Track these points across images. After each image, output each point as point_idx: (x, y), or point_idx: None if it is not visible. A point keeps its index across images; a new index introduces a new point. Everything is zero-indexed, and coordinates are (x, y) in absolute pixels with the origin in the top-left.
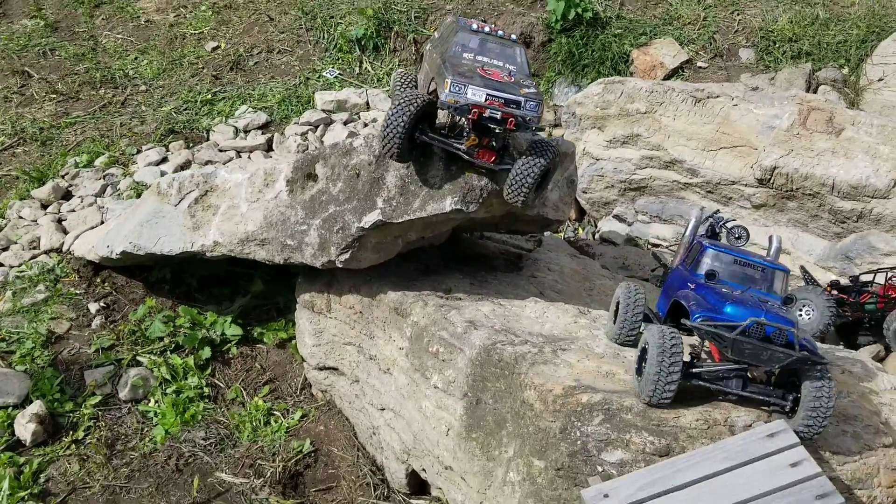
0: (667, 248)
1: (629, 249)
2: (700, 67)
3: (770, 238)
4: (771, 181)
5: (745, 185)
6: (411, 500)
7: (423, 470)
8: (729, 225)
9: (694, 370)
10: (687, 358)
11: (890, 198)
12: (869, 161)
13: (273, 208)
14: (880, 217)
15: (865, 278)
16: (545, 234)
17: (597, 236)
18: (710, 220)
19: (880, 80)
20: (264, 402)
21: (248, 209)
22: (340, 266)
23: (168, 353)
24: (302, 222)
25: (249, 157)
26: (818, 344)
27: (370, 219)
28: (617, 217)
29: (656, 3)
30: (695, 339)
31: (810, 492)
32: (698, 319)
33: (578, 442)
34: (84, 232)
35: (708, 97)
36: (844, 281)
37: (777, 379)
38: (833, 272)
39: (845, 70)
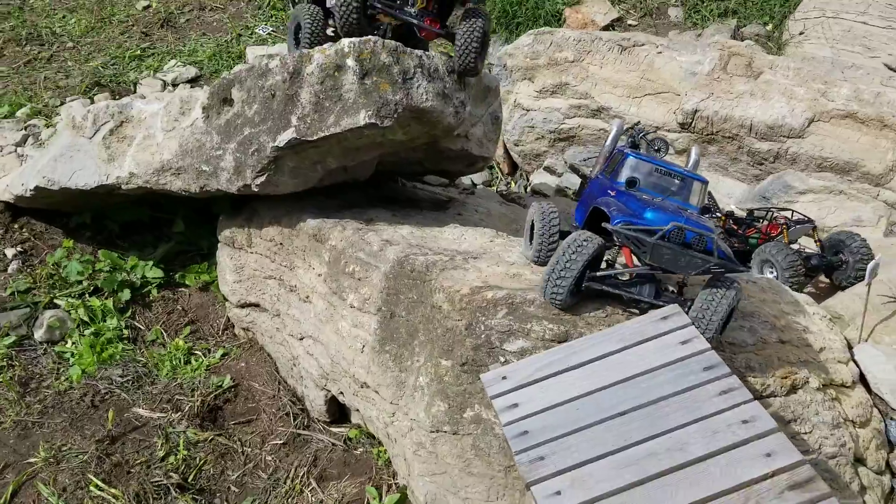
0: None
1: (559, 200)
2: (630, 25)
3: (690, 150)
4: (692, 125)
5: (669, 131)
6: (331, 428)
7: (341, 393)
8: (649, 137)
9: (599, 273)
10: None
11: (805, 136)
12: (785, 102)
13: (189, 136)
14: (796, 156)
15: (759, 214)
16: (477, 187)
17: (528, 189)
18: (632, 131)
19: (801, 33)
20: (185, 342)
21: (164, 138)
22: (257, 190)
23: (87, 296)
24: (217, 147)
25: None
26: None
27: (285, 137)
28: (547, 169)
29: None
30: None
31: (699, 364)
32: (619, 224)
33: (482, 336)
34: (1, 178)
35: (633, 45)
36: (740, 213)
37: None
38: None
39: (769, 27)
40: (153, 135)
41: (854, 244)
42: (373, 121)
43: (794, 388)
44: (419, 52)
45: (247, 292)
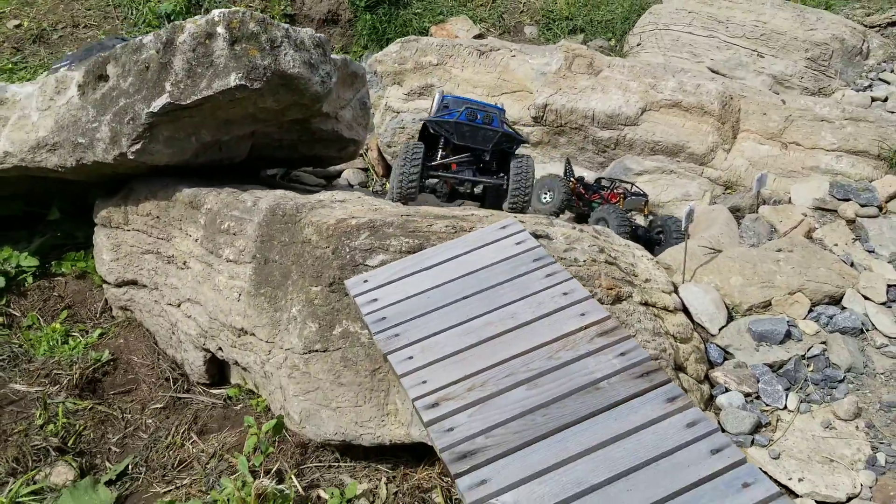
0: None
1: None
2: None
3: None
4: (544, 118)
5: (524, 125)
6: (211, 390)
7: (220, 349)
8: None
9: (433, 163)
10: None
11: (639, 124)
12: (621, 94)
13: (65, 112)
14: (632, 142)
15: (605, 184)
16: (354, 188)
17: None
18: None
19: (638, 44)
20: (62, 325)
21: (40, 117)
22: (132, 157)
23: None
24: (93, 120)
25: None
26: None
27: (159, 103)
28: None
29: None
30: None
31: (529, 258)
32: (431, 120)
33: (347, 256)
34: None
35: (490, 50)
36: (588, 181)
37: (496, 170)
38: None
39: (612, 41)
40: (28, 115)
41: (672, 226)
42: (243, 83)
43: (619, 299)
44: (286, 24)
45: (124, 270)
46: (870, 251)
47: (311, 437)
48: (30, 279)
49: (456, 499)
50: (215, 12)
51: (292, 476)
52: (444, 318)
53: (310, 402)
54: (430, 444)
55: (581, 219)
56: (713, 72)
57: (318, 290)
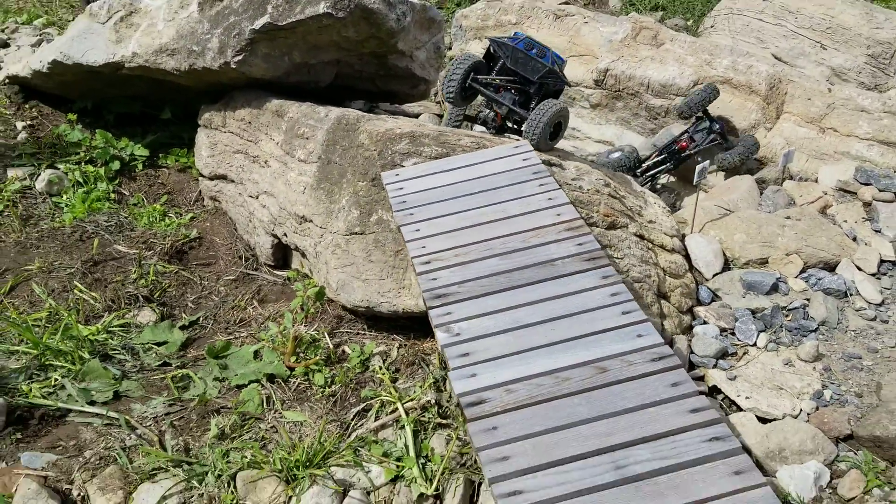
0: None
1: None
2: None
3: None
4: (604, 82)
5: (586, 87)
6: (274, 272)
7: (285, 235)
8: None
9: (479, 78)
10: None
11: (689, 96)
12: (677, 67)
13: (185, 24)
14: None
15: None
16: None
17: None
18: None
19: (711, 26)
20: (161, 206)
21: (164, 27)
22: (234, 66)
23: (82, 164)
24: (207, 32)
25: None
26: None
27: (261, 22)
28: None
29: None
30: None
31: (530, 171)
32: (493, 39)
33: (388, 157)
34: (20, 61)
35: (566, 15)
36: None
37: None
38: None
39: (689, 21)
40: (155, 24)
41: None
42: (330, 11)
43: (613, 226)
44: None
45: (217, 165)
46: (876, 230)
47: (343, 302)
48: (140, 166)
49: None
50: None
51: (325, 334)
52: (449, 206)
53: (345, 274)
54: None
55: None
56: (776, 58)
57: (363, 184)
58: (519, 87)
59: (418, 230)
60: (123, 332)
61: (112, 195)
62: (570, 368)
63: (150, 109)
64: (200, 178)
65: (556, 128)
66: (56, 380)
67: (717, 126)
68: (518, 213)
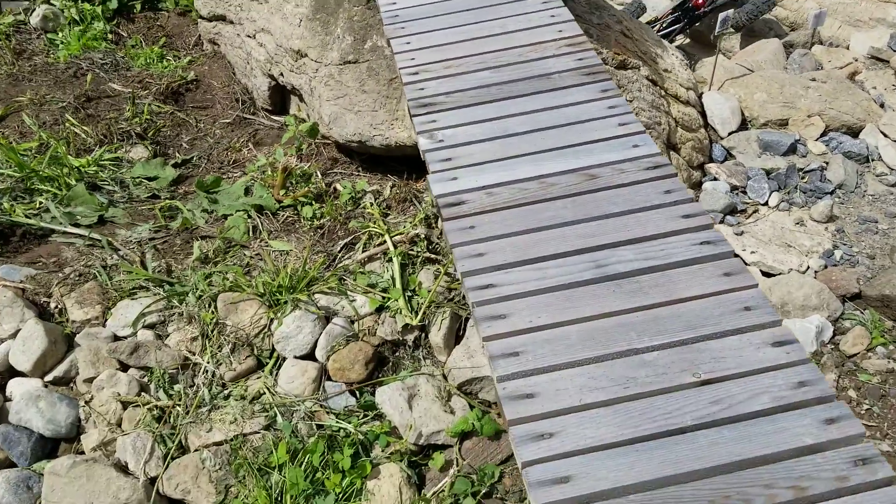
0: None
1: None
2: None
3: None
4: None
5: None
6: (272, 116)
7: (281, 74)
8: None
9: None
10: None
11: None
12: None
13: None
14: None
15: None
16: None
17: None
18: None
19: None
20: (160, 48)
21: None
22: None
23: (79, 1)
24: None
25: None
26: None
27: None
28: None
29: None
30: None
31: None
32: None
33: None
34: None
35: None
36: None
37: None
38: None
39: None
40: None
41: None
42: None
43: (623, 66)
44: None
45: (216, 5)
46: None
47: (335, 136)
48: (139, 7)
49: None
50: None
51: (317, 171)
52: (443, 21)
53: (338, 107)
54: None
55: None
56: None
57: (358, 8)
58: None
59: (408, 43)
60: (114, 166)
61: (109, 35)
62: (557, 175)
63: None
64: (200, 21)
65: None
66: (41, 203)
67: None
68: (516, 29)
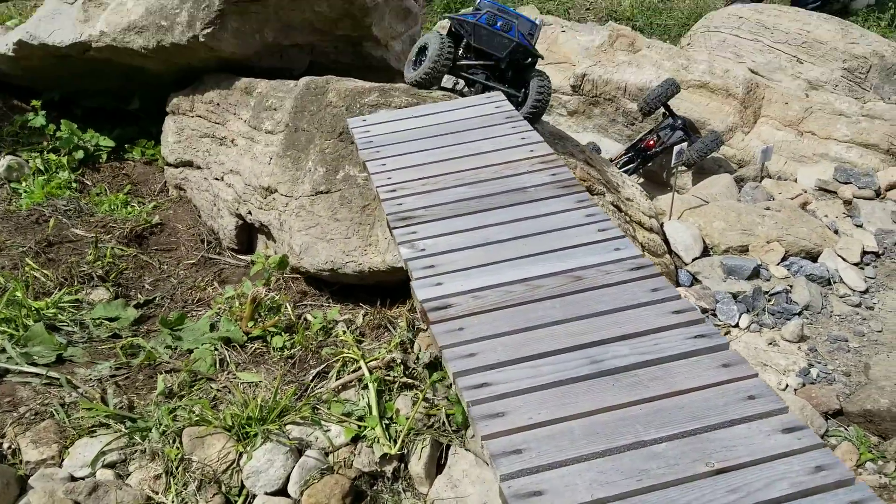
0: None
1: None
2: None
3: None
4: (581, 87)
5: (563, 94)
6: (238, 255)
7: (249, 213)
8: None
9: (456, 62)
10: None
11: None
12: (654, 70)
13: (154, 1)
14: (657, 116)
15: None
16: None
17: None
18: None
19: (688, 44)
20: (125, 195)
21: (133, 4)
22: (203, 40)
23: (45, 153)
24: (176, 7)
25: None
26: None
27: None
28: None
29: None
30: None
31: (502, 116)
32: (454, 17)
33: (357, 110)
34: None
35: (543, 24)
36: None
37: (511, 80)
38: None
39: (667, 42)
40: (124, 2)
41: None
42: None
43: (589, 191)
44: None
45: (183, 151)
46: (857, 225)
47: (306, 266)
48: (104, 157)
49: (415, 326)
50: None
51: (286, 303)
52: (418, 145)
53: (309, 237)
54: (399, 265)
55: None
56: (752, 72)
57: (330, 142)
58: (489, 65)
59: (384, 164)
60: (74, 309)
61: (74, 184)
62: (542, 277)
63: (119, 103)
64: (166, 168)
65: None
66: None
67: (680, 122)
68: (490, 150)
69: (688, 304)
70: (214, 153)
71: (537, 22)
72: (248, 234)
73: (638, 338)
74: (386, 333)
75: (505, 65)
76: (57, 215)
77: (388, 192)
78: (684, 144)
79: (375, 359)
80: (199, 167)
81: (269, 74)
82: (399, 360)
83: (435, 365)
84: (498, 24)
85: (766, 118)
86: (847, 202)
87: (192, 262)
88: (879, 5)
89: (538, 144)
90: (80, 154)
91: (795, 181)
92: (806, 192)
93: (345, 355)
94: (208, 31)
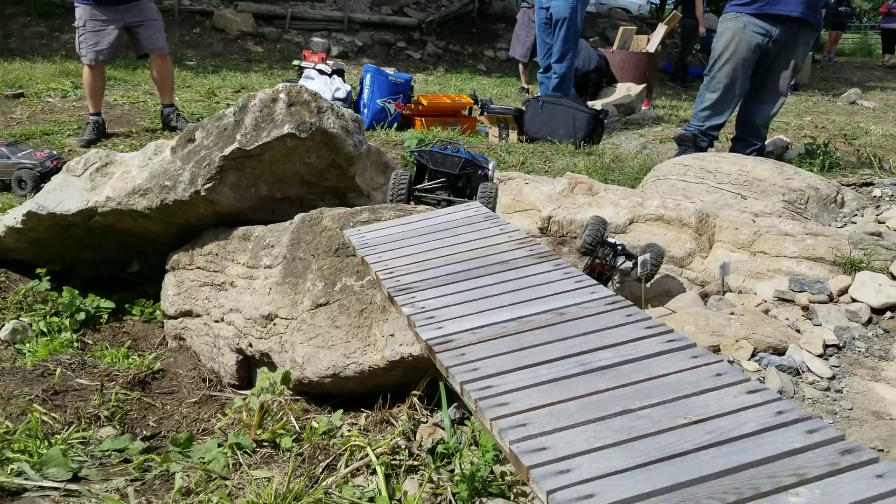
0: None
1: None
2: None
3: None
4: (548, 228)
5: (533, 237)
6: (239, 391)
7: (250, 345)
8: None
9: (419, 187)
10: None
11: (627, 232)
12: (613, 208)
13: (158, 166)
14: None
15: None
16: None
17: None
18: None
19: (641, 192)
20: (126, 349)
21: (138, 172)
22: (205, 194)
23: (48, 316)
24: (179, 169)
25: None
26: None
27: (229, 149)
28: None
29: None
30: None
31: (483, 216)
32: (414, 150)
33: (350, 228)
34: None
35: (508, 179)
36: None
37: (468, 194)
38: None
39: None
40: (129, 170)
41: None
42: (293, 132)
43: None
44: (330, 101)
45: (183, 302)
46: (817, 325)
47: (309, 375)
48: (105, 317)
49: (415, 419)
50: (280, 86)
51: (291, 412)
52: (409, 242)
53: (311, 347)
54: (397, 358)
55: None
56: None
57: (327, 260)
58: (448, 184)
59: (380, 257)
60: (82, 445)
61: (76, 344)
62: (531, 315)
63: (118, 271)
64: (166, 321)
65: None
66: (12, 469)
67: (619, 245)
68: (473, 240)
69: (658, 322)
70: (214, 299)
71: (490, 166)
72: (248, 370)
73: (619, 346)
74: (388, 427)
75: (461, 182)
76: (61, 368)
77: (386, 273)
78: (647, 255)
79: (381, 445)
80: (198, 315)
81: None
82: (403, 446)
83: (437, 451)
84: (448, 149)
85: (721, 242)
86: (804, 308)
87: (194, 400)
88: (809, 154)
89: (515, 232)
90: (81, 316)
91: (755, 294)
92: (766, 301)
93: (352, 444)
94: (209, 185)
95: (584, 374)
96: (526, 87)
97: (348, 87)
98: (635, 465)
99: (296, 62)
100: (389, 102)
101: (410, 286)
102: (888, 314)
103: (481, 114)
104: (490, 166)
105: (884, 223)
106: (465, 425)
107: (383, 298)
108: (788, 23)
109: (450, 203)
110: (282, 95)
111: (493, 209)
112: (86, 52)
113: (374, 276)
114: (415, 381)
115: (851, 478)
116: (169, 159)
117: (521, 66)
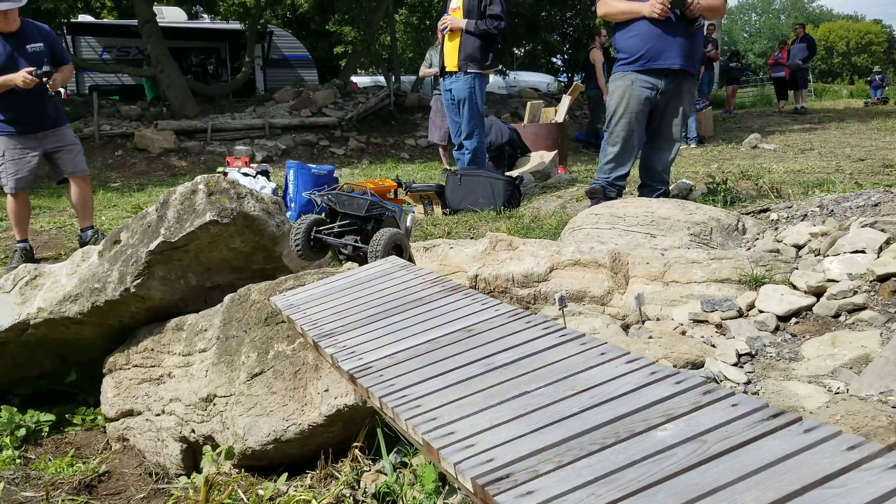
0: None
1: None
2: None
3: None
4: (476, 286)
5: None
6: (180, 479)
7: (193, 431)
8: None
9: (321, 229)
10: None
11: (549, 280)
12: (533, 259)
13: (86, 271)
14: (546, 294)
15: None
16: None
17: None
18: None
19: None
20: (70, 458)
21: (67, 279)
22: (134, 291)
23: None
24: (107, 270)
25: None
26: None
27: (154, 243)
28: None
29: None
30: None
31: (398, 266)
32: (324, 193)
33: (276, 297)
34: None
35: (433, 246)
36: None
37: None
38: None
39: None
40: (59, 280)
41: None
42: (216, 218)
43: None
44: (250, 187)
45: (123, 402)
46: (730, 339)
47: (252, 445)
48: (46, 430)
49: (358, 471)
50: (198, 178)
51: (237, 489)
52: (330, 298)
53: (251, 417)
54: (333, 412)
55: None
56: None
57: (258, 330)
58: (356, 227)
59: (304, 313)
60: None
61: (18, 460)
62: (442, 336)
63: (55, 385)
64: (108, 424)
65: (398, 251)
66: None
67: None
68: (389, 286)
69: (553, 322)
70: (153, 393)
71: (409, 219)
72: (194, 458)
73: (519, 346)
74: (333, 481)
75: (370, 225)
76: (5, 483)
77: (311, 325)
78: (563, 291)
79: (325, 497)
80: (139, 412)
81: None
82: (349, 495)
83: (381, 492)
84: (355, 192)
85: (635, 277)
86: (717, 325)
87: (142, 496)
88: (712, 192)
89: (429, 274)
90: (21, 432)
91: (672, 319)
92: (682, 324)
93: (297, 499)
94: (138, 281)
95: (487, 372)
96: (448, 168)
97: (273, 185)
98: (530, 431)
99: (220, 169)
100: (315, 194)
101: (333, 331)
102: (793, 320)
103: (406, 194)
104: (408, 219)
105: (781, 241)
106: (406, 466)
107: (315, 357)
108: (672, 75)
109: (355, 248)
110: (201, 186)
111: (377, 256)
112: (6, 181)
113: (300, 330)
114: (354, 433)
115: (711, 410)
116: (97, 263)
117: (440, 150)
